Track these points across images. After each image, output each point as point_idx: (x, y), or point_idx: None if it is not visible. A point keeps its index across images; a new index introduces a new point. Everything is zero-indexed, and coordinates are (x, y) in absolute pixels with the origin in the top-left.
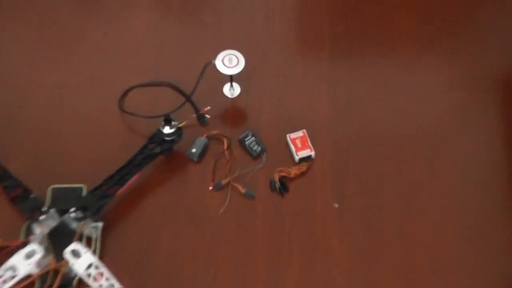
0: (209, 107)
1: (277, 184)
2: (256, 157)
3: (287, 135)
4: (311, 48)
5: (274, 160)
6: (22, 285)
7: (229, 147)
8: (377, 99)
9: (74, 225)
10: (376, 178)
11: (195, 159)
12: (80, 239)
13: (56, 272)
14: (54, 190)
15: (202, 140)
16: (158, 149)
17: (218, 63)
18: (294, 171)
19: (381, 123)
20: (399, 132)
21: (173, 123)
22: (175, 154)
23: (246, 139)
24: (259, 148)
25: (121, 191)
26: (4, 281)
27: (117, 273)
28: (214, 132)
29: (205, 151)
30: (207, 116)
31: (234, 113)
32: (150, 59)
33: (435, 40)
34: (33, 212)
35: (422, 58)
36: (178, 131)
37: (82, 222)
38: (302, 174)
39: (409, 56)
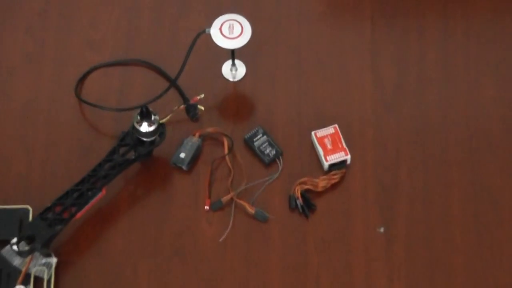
0: (202, 95)
1: (299, 201)
2: (269, 163)
3: (312, 133)
4: (345, 7)
5: (294, 167)
6: None
7: (231, 150)
8: (442, 79)
9: (17, 261)
10: (440, 192)
11: (184, 167)
12: (26, 281)
13: None
14: None
15: (193, 142)
16: (132, 155)
17: (214, 32)
18: (322, 182)
19: (447, 114)
20: (475, 127)
21: (152, 117)
22: (156, 161)
23: (254, 139)
24: (273, 152)
25: (81, 213)
26: None
27: None
28: (209, 129)
29: (197, 156)
30: (200, 107)
31: (237, 103)
32: (118, 27)
33: None
34: None
35: (511, 19)
36: (160, 129)
37: (29, 258)
38: (334, 186)
39: (491, 17)
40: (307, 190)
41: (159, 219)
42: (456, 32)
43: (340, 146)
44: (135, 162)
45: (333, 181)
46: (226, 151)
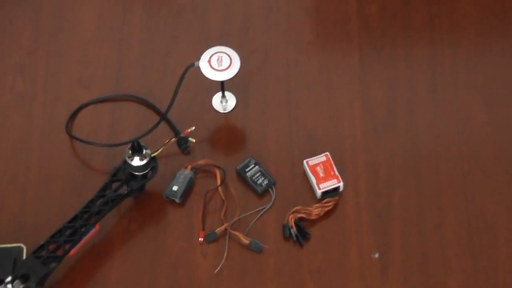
0: (193, 128)
1: (293, 230)
2: (262, 193)
3: (304, 161)
4: (333, 38)
5: (287, 196)
6: None
7: (223, 181)
8: (432, 104)
9: None
10: (433, 217)
11: (178, 200)
12: None
13: None
14: None
15: (185, 174)
16: (125, 189)
17: (203, 65)
18: (316, 210)
19: (438, 139)
20: (467, 151)
21: (144, 151)
22: (148, 195)
23: (247, 170)
24: (266, 181)
25: (74, 250)
26: None
27: None
28: (201, 162)
29: (190, 189)
30: (191, 140)
31: (228, 134)
32: (107, 63)
33: None
34: None
35: (496, 43)
36: (152, 163)
37: None
38: (328, 214)
39: (477, 42)
40: (301, 219)
41: (153, 252)
42: (444, 58)
43: (332, 173)
44: (128, 197)
45: (326, 209)
46: (218, 182)
